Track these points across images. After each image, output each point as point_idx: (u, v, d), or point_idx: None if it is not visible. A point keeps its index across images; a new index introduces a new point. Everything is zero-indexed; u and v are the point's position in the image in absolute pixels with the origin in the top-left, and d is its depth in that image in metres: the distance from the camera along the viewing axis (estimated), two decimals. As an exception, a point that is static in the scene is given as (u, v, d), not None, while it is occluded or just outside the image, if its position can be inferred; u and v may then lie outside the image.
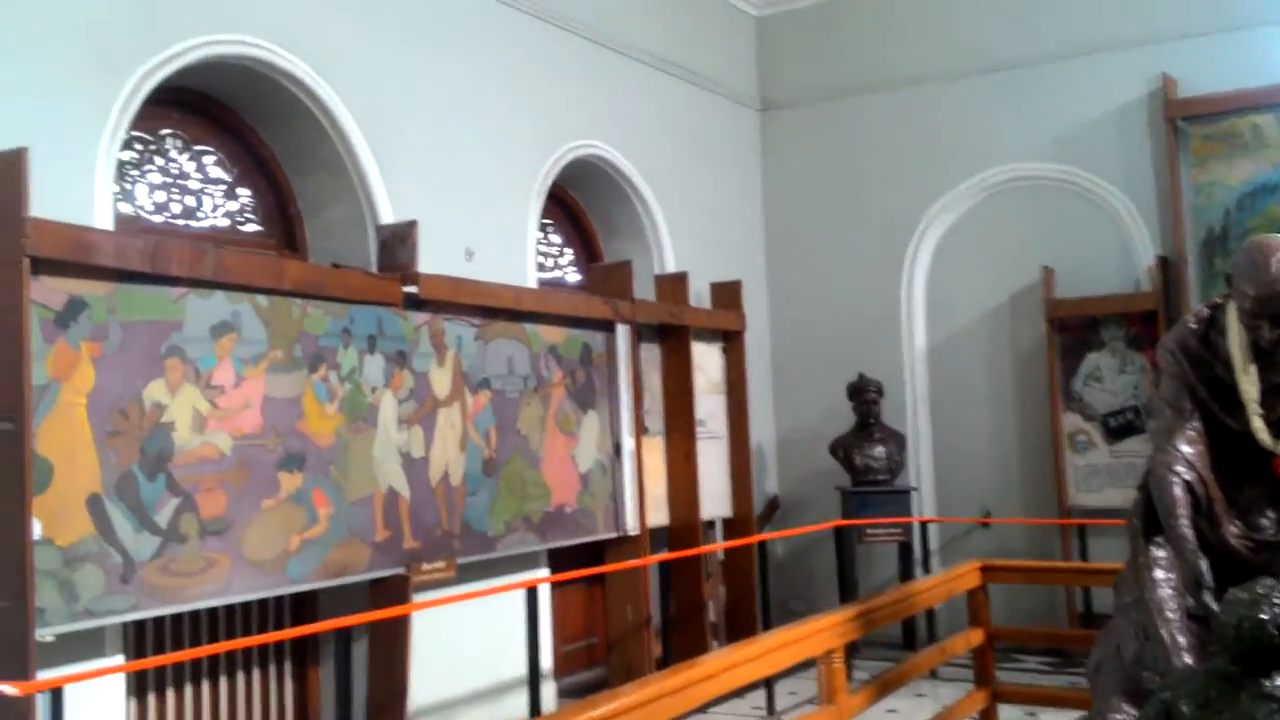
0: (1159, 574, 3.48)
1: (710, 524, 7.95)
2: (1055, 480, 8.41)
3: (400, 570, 5.42)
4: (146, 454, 4.38)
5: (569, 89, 7.62)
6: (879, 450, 8.47)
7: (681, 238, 8.56)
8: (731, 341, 8.15)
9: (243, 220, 6.03)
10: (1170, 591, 3.45)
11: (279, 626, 5.68)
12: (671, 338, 7.56)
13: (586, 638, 7.84)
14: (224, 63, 5.48)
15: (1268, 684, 2.72)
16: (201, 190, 5.83)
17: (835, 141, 9.57)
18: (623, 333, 6.99)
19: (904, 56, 9.32)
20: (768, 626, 7.50)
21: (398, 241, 5.75)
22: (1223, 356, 3.43)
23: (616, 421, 6.96)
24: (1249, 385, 3.37)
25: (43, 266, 4.04)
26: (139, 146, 5.53)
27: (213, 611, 5.37)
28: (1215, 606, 3.06)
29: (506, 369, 6.23)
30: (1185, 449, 3.47)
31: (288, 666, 5.85)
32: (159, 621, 5.12)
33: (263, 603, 5.61)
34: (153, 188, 5.58)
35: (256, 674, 5.70)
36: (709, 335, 7.96)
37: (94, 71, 4.78)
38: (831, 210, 9.53)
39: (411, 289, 5.60)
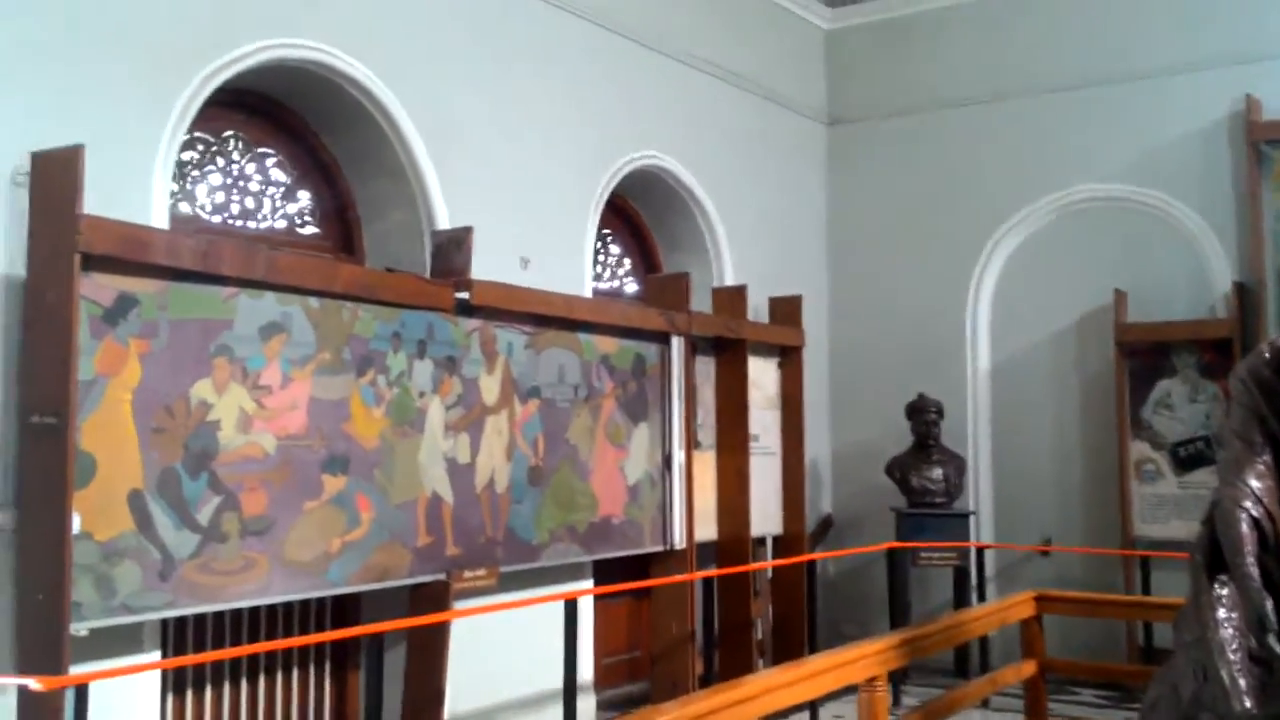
0: (1221, 613, 3.32)
1: (761, 541, 7.83)
2: (1120, 510, 8.16)
3: (441, 576, 5.39)
4: (190, 452, 4.40)
5: (632, 99, 7.57)
6: (937, 472, 8.29)
7: (742, 251, 8.47)
8: (789, 357, 8.03)
9: (301, 223, 6.07)
10: (1232, 631, 3.29)
11: (320, 628, 5.69)
12: (727, 351, 7.47)
13: (630, 651, 7.76)
14: (287, 66, 5.52)
15: (1327, 736, 2.56)
16: (261, 192, 5.88)
17: (904, 157, 9.41)
18: (677, 345, 6.92)
19: (977, 73, 9.14)
20: (816, 647, 7.36)
21: (453, 247, 5.74)
22: None
23: (668, 434, 6.89)
24: None
25: (94, 263, 4.07)
26: (200, 147, 5.59)
27: (253, 611, 5.39)
28: (1279, 649, 2.92)
29: (557, 378, 6.19)
30: (1254, 483, 3.31)
31: (327, 668, 5.86)
32: (200, 620, 5.16)
33: (304, 604, 5.63)
34: (212, 188, 5.63)
35: (296, 675, 5.72)
36: (766, 350, 7.85)
37: (156, 72, 4.83)
38: (897, 227, 9.37)
39: (464, 295, 5.58)
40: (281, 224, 5.95)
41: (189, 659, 4.63)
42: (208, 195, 5.61)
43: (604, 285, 8.00)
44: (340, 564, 4.96)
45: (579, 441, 6.29)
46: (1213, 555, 3.37)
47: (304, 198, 6.07)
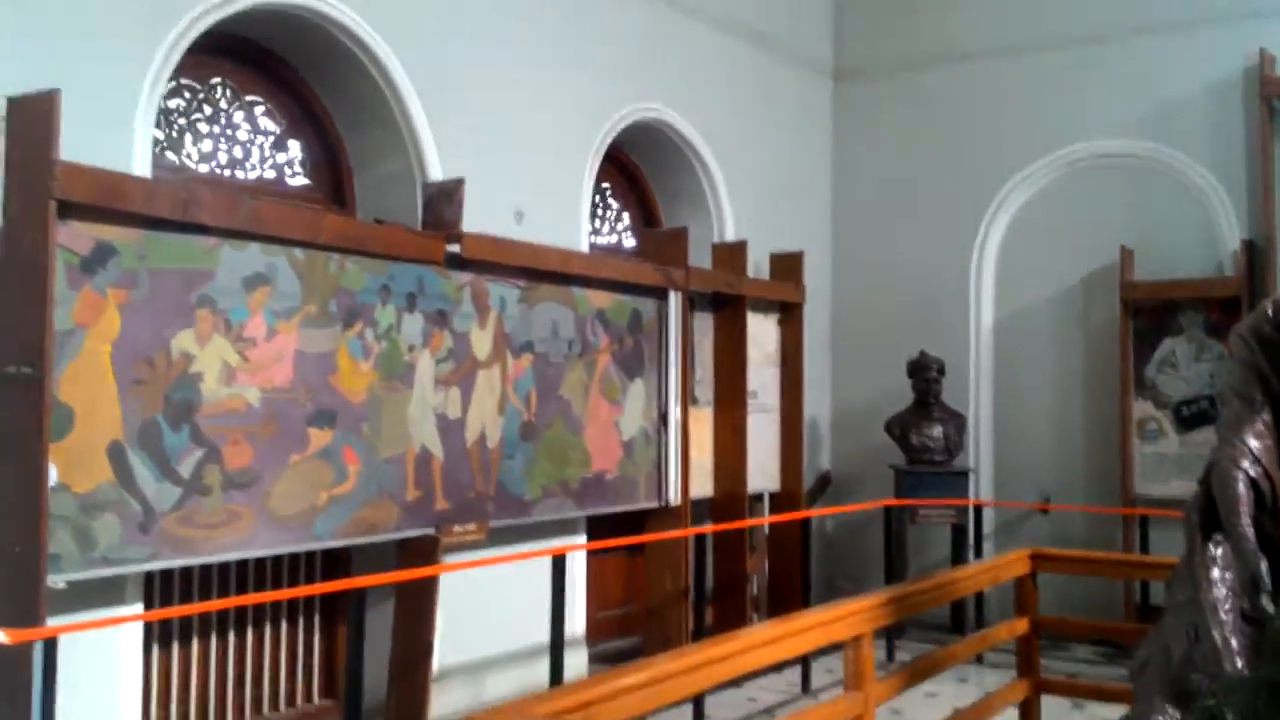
0: (1215, 573, 3.27)
1: (758, 497, 7.79)
2: (1121, 468, 8.09)
3: (430, 531, 5.35)
4: (171, 404, 4.35)
5: (632, 49, 7.43)
6: (937, 430, 8.22)
7: (743, 206, 8.35)
8: (789, 313, 7.93)
9: (291, 174, 5.98)
10: (1225, 592, 3.24)
11: (310, 582, 5.67)
12: (726, 307, 7.37)
13: (624, 606, 7.75)
14: (277, 12, 5.41)
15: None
16: (250, 141, 5.78)
17: (910, 113, 9.26)
18: (675, 300, 6.82)
19: (985, 27, 8.97)
20: (810, 603, 7.34)
21: (444, 199, 5.64)
22: None
23: (664, 390, 6.82)
24: None
25: (71, 211, 3.99)
26: (187, 95, 5.48)
27: (241, 566, 5.37)
28: (1272, 610, 2.86)
29: (551, 333, 6.11)
30: (1252, 442, 3.23)
31: (317, 623, 5.85)
32: (186, 574, 5.13)
33: (294, 558, 5.61)
34: (199, 137, 5.54)
35: (285, 629, 5.71)
36: (766, 306, 7.76)
37: (139, 15, 4.73)
38: (902, 183, 9.24)
39: (455, 248, 5.49)
40: (271, 174, 5.86)
41: (165, 612, 4.61)
42: (194, 144, 5.52)
43: (602, 240, 7.90)
44: (327, 518, 4.91)
45: (572, 397, 6.23)
46: (1208, 514, 3.31)
47: (294, 148, 5.98)
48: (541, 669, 5.60)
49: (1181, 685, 3.28)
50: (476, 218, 5.82)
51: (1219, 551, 3.27)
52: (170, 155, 5.38)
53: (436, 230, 5.55)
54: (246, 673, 5.51)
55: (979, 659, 7.02)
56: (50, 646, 3.42)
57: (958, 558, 8.11)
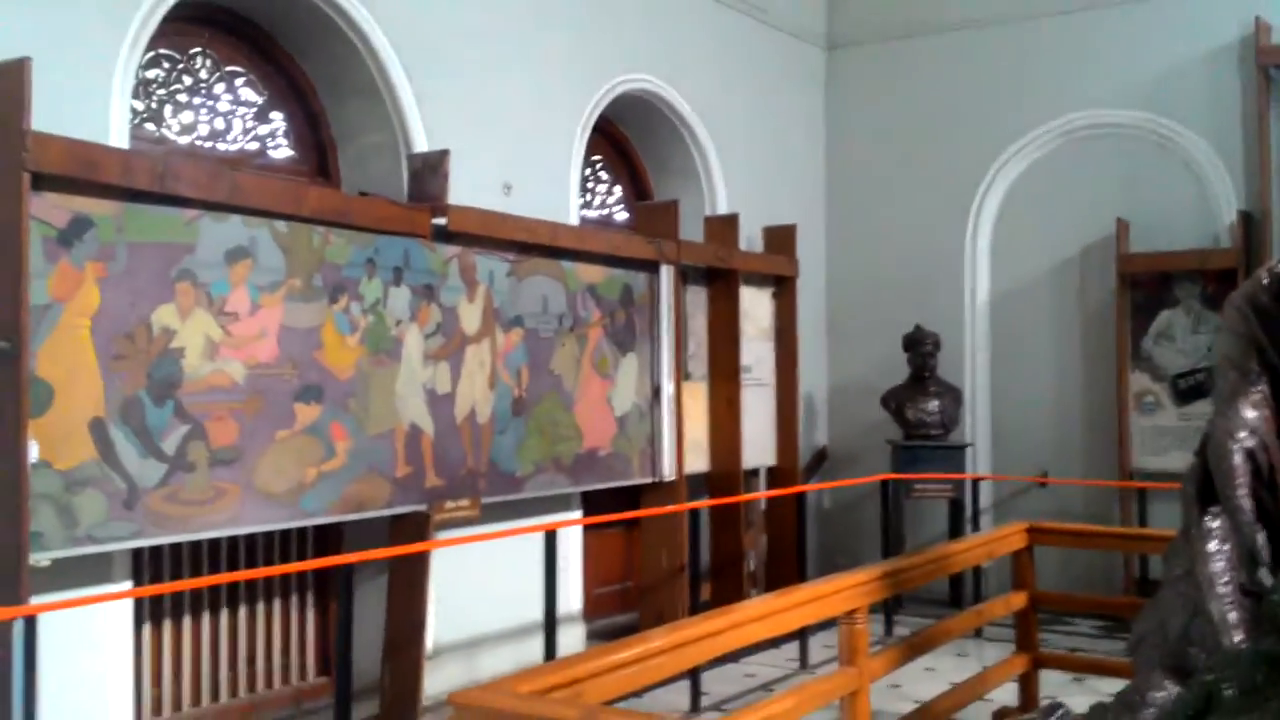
0: (1212, 546, 3.20)
1: (755, 473, 7.73)
2: (1118, 442, 8.04)
3: (421, 507, 5.29)
4: (154, 379, 4.27)
5: (621, 19, 7.32)
6: (933, 404, 8.16)
7: (736, 179, 8.26)
8: (783, 287, 7.86)
9: (274, 145, 5.88)
10: (1223, 565, 3.18)
11: (301, 559, 5.61)
12: (719, 281, 7.30)
13: (622, 581, 7.70)
14: (255, -20, 5.30)
15: (1319, 671, 2.44)
16: (231, 113, 5.68)
17: (904, 82, 9.15)
18: (666, 274, 6.75)
19: (978, -6, 8.86)
20: (806, 578, 7.29)
21: (429, 171, 5.56)
22: None
23: (657, 365, 6.74)
24: None
25: (45, 182, 3.91)
26: (166, 65, 5.38)
27: (233, 543, 5.30)
28: (1270, 583, 2.80)
29: (541, 307, 6.03)
30: (1248, 414, 3.16)
31: (310, 599, 5.79)
32: (176, 551, 5.07)
33: (286, 536, 5.54)
34: (179, 108, 5.44)
35: (278, 606, 5.65)
36: (759, 280, 7.68)
37: (113, -16, 4.62)
38: (897, 154, 9.14)
39: (441, 221, 5.41)
40: (253, 146, 5.76)
41: (151, 589, 4.53)
42: (174, 115, 5.42)
43: (593, 214, 7.81)
44: (315, 494, 4.85)
45: (564, 372, 6.15)
46: (1205, 487, 3.24)
47: (277, 119, 5.88)
48: (537, 646, 5.55)
49: (1180, 659, 3.23)
50: (465, 191, 5.73)
51: (1216, 524, 3.21)
52: (150, 127, 5.29)
53: (422, 203, 5.46)
54: (240, 651, 5.45)
55: (978, 633, 6.98)
56: (30, 625, 3.35)
57: (955, 533, 8.06)
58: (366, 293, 5.11)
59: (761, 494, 7.61)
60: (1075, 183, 8.50)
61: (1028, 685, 5.30)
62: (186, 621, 5.21)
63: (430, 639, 5.60)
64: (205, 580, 4.53)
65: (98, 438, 4.08)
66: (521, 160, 6.52)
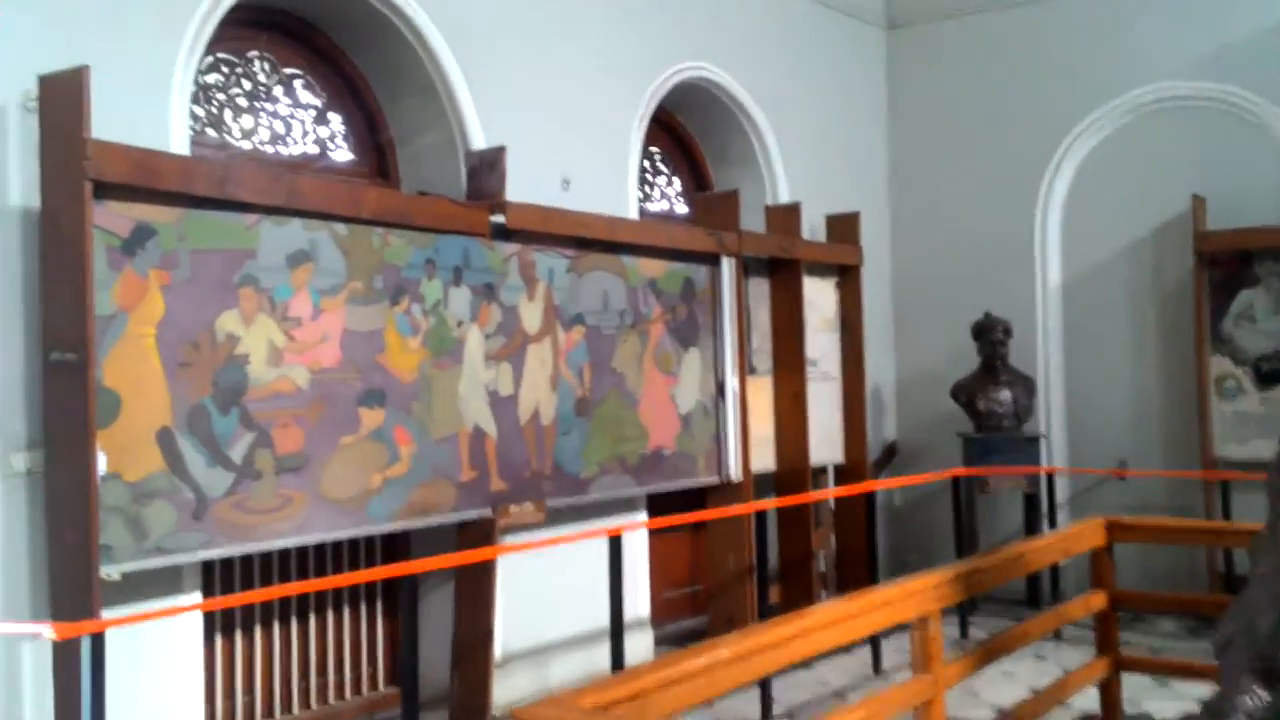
0: (1301, 539, 3.03)
1: (822, 470, 7.56)
2: (1200, 429, 7.75)
3: (487, 512, 5.21)
4: (219, 387, 4.23)
5: (676, 7, 7.19)
6: (1005, 394, 7.94)
7: (797, 167, 8.09)
8: (847, 277, 7.68)
9: (334, 147, 5.83)
10: (1314, 559, 3.00)
11: (369, 566, 5.57)
12: (781, 272, 7.14)
13: (690, 585, 7.59)
14: (309, -19, 5.25)
15: None
16: (291, 116, 5.64)
17: (968, 61, 8.92)
18: (728, 266, 6.61)
19: (1043, -32, 8.61)
20: (877, 578, 7.13)
21: (486, 168, 5.47)
22: None
23: (720, 360, 6.61)
24: None
25: (107, 191, 3.87)
26: (225, 69, 5.35)
27: (302, 551, 5.27)
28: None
29: (601, 304, 5.93)
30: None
31: (379, 607, 5.75)
32: (246, 561, 5.04)
33: (353, 542, 5.50)
34: (239, 112, 5.41)
35: (347, 614, 5.61)
36: (823, 270, 7.51)
37: (169, -11, 4.58)
38: (962, 136, 8.92)
39: (499, 218, 5.32)
40: (314, 149, 5.72)
41: (218, 601, 4.50)
42: (235, 120, 5.39)
43: (653, 207, 7.70)
44: (381, 501, 4.79)
45: (626, 370, 6.05)
46: (1291, 476, 3.06)
47: (335, 121, 5.83)
48: (607, 652, 5.45)
49: (1270, 662, 3.05)
50: (523, 187, 5.64)
51: (1305, 516, 3.03)
52: (211, 132, 5.26)
53: (480, 201, 5.38)
54: (310, 661, 5.42)
55: (1057, 634, 6.76)
56: (98, 641, 3.31)
57: (1031, 528, 7.85)
58: (427, 293, 5.04)
59: (830, 492, 7.44)
60: (1148, 160, 8.23)
61: (1110, 690, 5.10)
62: (257, 632, 5.19)
63: (499, 647, 5.53)
64: (270, 592, 4.47)
65: (165, 448, 4.04)
66: (579, 154, 6.42)
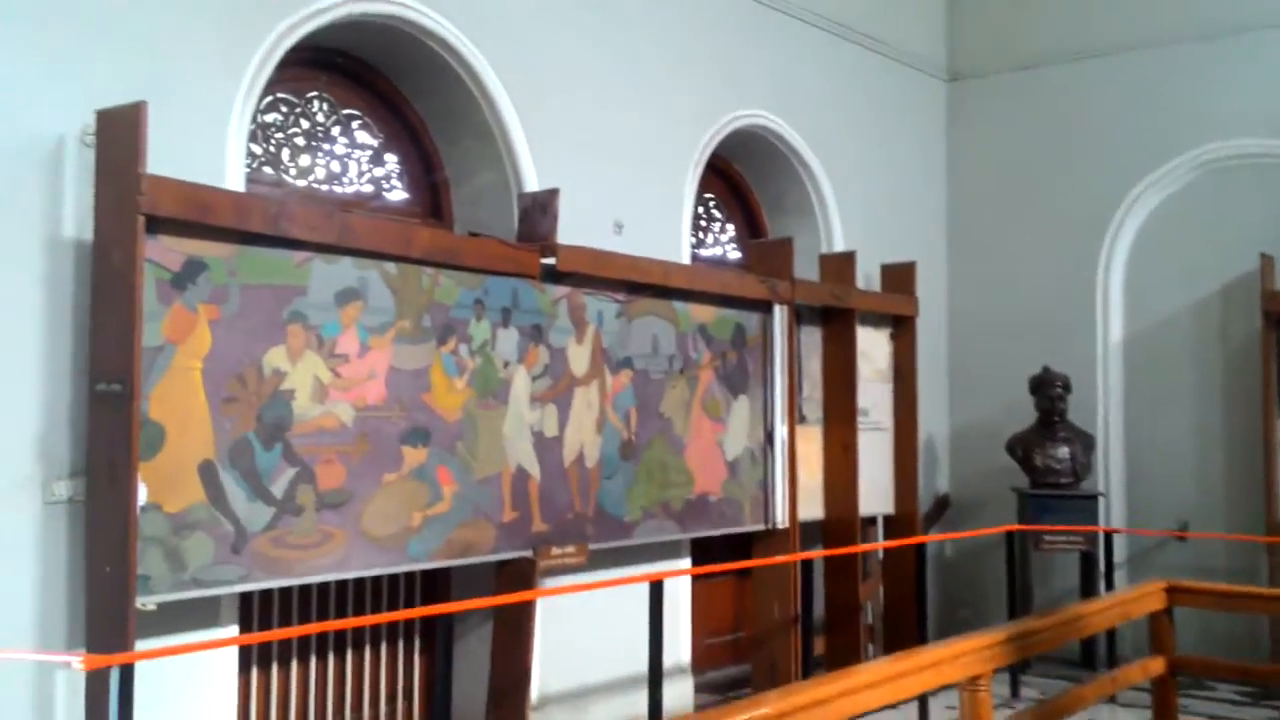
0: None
1: (871, 521, 7.44)
2: (1265, 492, 7.50)
3: (527, 553, 5.18)
4: (264, 422, 4.26)
5: (734, 54, 7.21)
6: (1062, 451, 7.77)
7: (853, 215, 8.04)
8: (902, 327, 7.59)
9: (389, 187, 5.89)
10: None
11: (409, 604, 5.55)
12: (834, 321, 7.07)
13: (733, 632, 7.47)
14: (370, 23, 5.32)
15: None
16: (347, 155, 5.72)
17: (1030, 114, 8.83)
18: (780, 314, 6.56)
19: (1110, 20, 8.51)
20: (927, 633, 6.97)
21: (538, 210, 5.49)
22: None
23: (770, 408, 6.55)
24: None
25: (160, 225, 3.93)
26: (284, 109, 5.44)
27: (341, 586, 5.26)
28: None
29: (651, 348, 5.90)
30: None
31: (417, 645, 5.72)
32: (285, 595, 5.05)
33: (392, 579, 5.49)
34: (297, 151, 5.49)
35: (385, 651, 5.59)
36: (877, 320, 7.43)
37: (230, 27, 4.67)
38: (1023, 188, 8.81)
39: (550, 260, 5.33)
40: (368, 188, 5.78)
41: (254, 637, 4.49)
42: (292, 159, 5.47)
43: (706, 252, 7.68)
44: (421, 539, 4.78)
45: (674, 415, 6.00)
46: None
47: (391, 161, 5.90)
48: (643, 698, 5.37)
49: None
50: (576, 230, 5.66)
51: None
52: (268, 170, 5.34)
53: (532, 242, 5.40)
54: (346, 697, 5.40)
55: (1112, 698, 6.55)
56: (127, 673, 3.31)
57: (1087, 588, 7.64)
58: (475, 334, 5.05)
59: (880, 544, 7.31)
60: (1215, 217, 8.07)
61: (1167, 758, 4.91)
62: (293, 666, 5.18)
63: (536, 688, 5.48)
64: (306, 629, 4.48)
65: (207, 480, 4.07)
66: (633, 198, 6.43)
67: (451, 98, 5.78)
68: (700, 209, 7.57)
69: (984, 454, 8.48)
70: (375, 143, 5.83)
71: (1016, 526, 7.53)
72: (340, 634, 5.33)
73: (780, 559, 6.27)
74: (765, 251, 6.77)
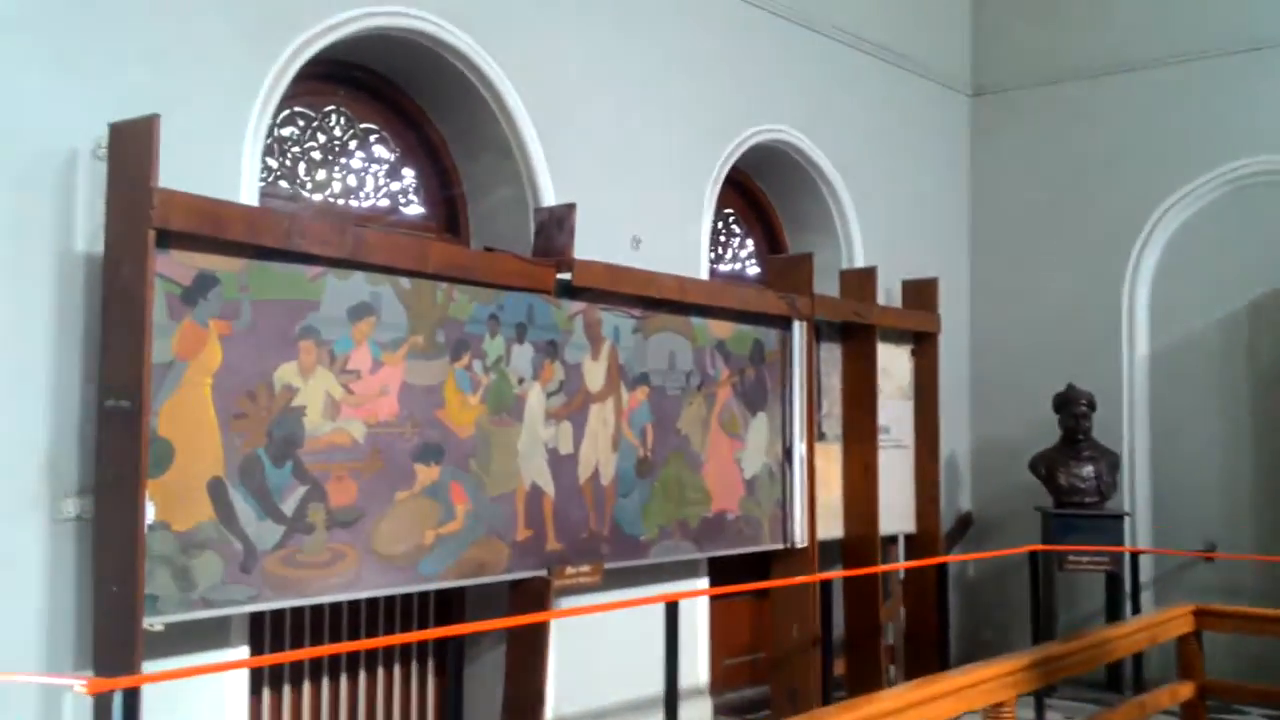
0: None
1: (892, 539, 7.34)
2: (1295, 513, 7.38)
3: (542, 572, 5.10)
4: (274, 438, 4.21)
5: (756, 69, 7.15)
6: (1087, 469, 7.64)
7: (874, 231, 7.95)
8: (923, 344, 7.50)
9: (405, 201, 5.86)
10: None
11: (422, 624, 5.49)
12: (854, 337, 6.99)
13: (752, 652, 7.37)
14: (389, 37, 5.28)
15: None
16: (364, 170, 5.68)
17: (1055, 129, 8.73)
18: (799, 330, 6.48)
19: (1136, 35, 8.41)
20: (949, 654, 6.86)
21: (554, 225, 5.44)
22: None
23: (788, 425, 6.46)
24: None
25: (172, 240, 3.89)
26: (301, 122, 5.41)
27: (353, 606, 5.20)
28: None
29: (668, 364, 5.83)
30: None
31: (430, 666, 5.65)
32: (297, 615, 4.99)
33: (405, 599, 5.42)
34: (314, 165, 5.46)
35: (398, 672, 5.52)
36: (898, 336, 7.34)
37: (246, 41, 4.63)
38: (1048, 204, 8.71)
39: (565, 275, 5.27)
40: (385, 202, 5.75)
41: (262, 660, 4.43)
42: (308, 173, 5.43)
43: (725, 268, 7.61)
44: (433, 558, 4.71)
45: (691, 432, 5.93)
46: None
47: (408, 175, 5.86)
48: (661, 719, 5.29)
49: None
50: (594, 245, 5.60)
51: None
52: (284, 184, 5.31)
53: (548, 258, 5.34)
54: (359, 717, 5.33)
55: (1139, 721, 6.41)
56: (131, 696, 3.25)
57: (1112, 610, 7.51)
58: (489, 350, 4.99)
59: (901, 564, 7.20)
60: (1244, 234, 7.95)
61: (1198, 785, 4.80)
62: (305, 688, 5.12)
63: (550, 709, 5.39)
64: (316, 651, 4.41)
65: (216, 498, 4.02)
66: (651, 213, 6.37)
67: (470, 112, 5.74)
68: (719, 224, 7.50)
69: (1007, 472, 8.36)
70: (392, 157, 5.79)
71: (1040, 546, 7.41)
72: (352, 655, 5.27)
73: (800, 579, 6.18)
74: (785, 267, 6.69)
